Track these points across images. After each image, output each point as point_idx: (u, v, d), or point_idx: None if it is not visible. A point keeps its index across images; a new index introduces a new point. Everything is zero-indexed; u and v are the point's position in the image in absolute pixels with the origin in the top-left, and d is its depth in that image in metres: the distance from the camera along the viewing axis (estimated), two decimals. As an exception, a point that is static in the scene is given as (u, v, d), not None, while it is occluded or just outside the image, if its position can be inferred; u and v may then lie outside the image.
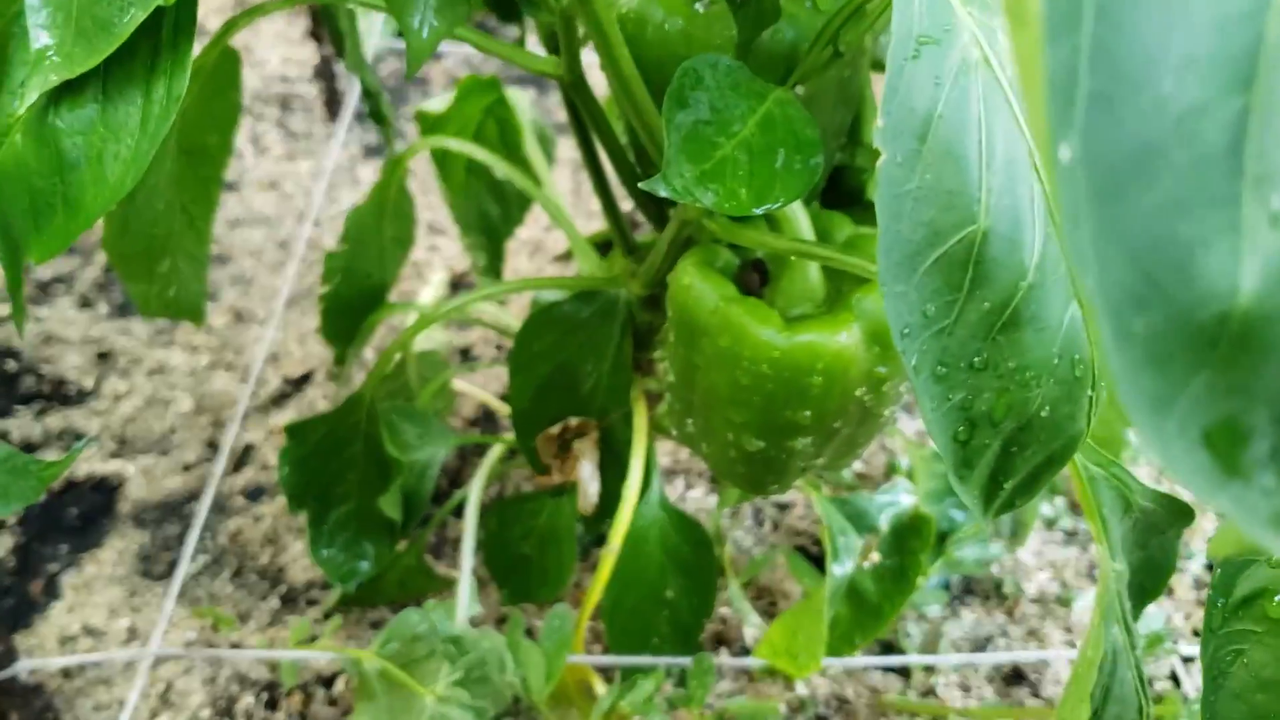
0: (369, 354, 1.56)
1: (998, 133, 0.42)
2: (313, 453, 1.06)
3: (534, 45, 0.92)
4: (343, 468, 1.08)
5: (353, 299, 1.29)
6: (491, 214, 1.44)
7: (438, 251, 1.76)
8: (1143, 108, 0.25)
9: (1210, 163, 0.25)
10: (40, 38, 0.56)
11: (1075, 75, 0.24)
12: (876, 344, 0.74)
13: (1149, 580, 0.69)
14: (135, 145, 0.56)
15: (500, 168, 1.15)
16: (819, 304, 0.79)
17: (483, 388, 1.50)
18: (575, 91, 0.78)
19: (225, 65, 0.87)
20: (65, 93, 0.58)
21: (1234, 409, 0.26)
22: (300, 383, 1.52)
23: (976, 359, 0.44)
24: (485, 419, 1.49)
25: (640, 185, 0.60)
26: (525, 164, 1.36)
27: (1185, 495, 0.94)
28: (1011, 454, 0.47)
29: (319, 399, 1.50)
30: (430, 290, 1.65)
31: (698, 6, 0.75)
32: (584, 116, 0.81)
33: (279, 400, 1.50)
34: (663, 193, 0.59)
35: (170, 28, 0.55)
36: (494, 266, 1.46)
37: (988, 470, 0.47)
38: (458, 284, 1.70)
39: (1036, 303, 0.44)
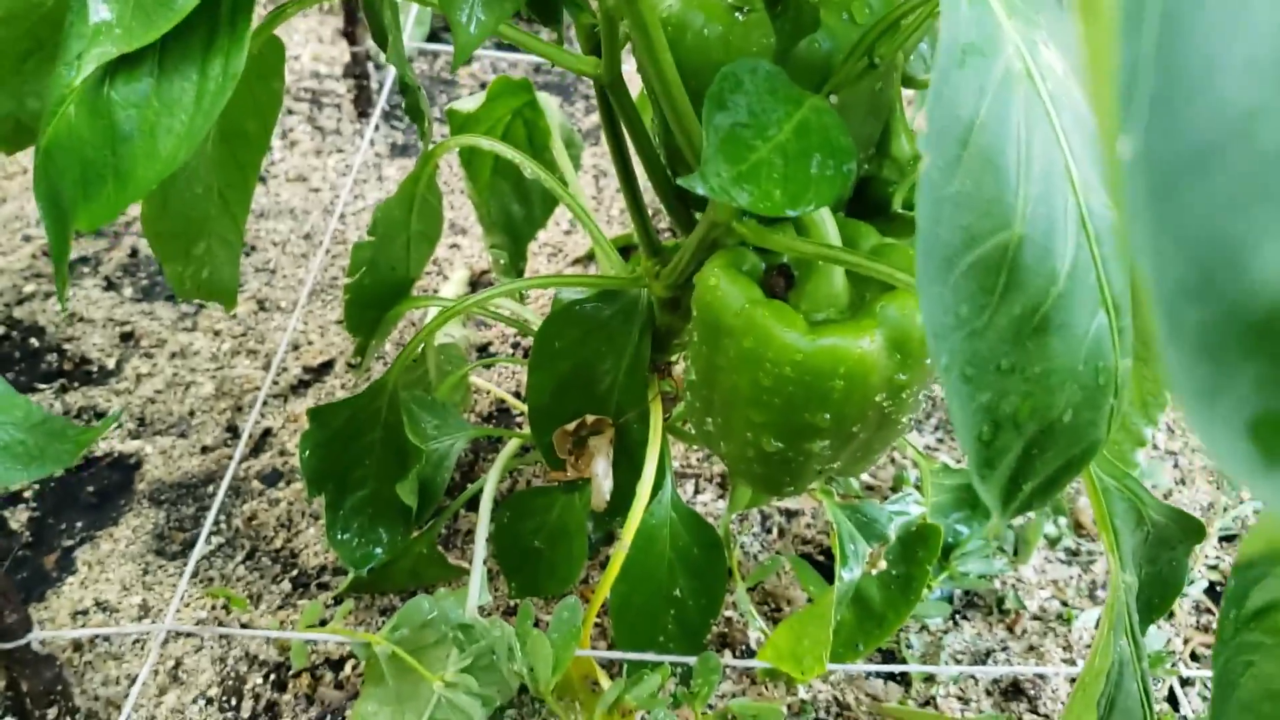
0: (387, 347, 1.57)
1: (1036, 144, 0.44)
2: (334, 437, 1.07)
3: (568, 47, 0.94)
4: (362, 453, 1.10)
5: (377, 291, 1.30)
6: (515, 214, 1.46)
7: (459, 250, 1.77)
8: (1203, 108, 0.26)
9: (1266, 162, 0.26)
10: (99, 11, 0.58)
11: (1137, 75, 0.25)
12: (898, 351, 0.76)
13: (1157, 595, 0.70)
14: (189, 121, 0.57)
15: (529, 167, 1.16)
16: (843, 310, 0.80)
17: (498, 385, 1.52)
18: (613, 92, 0.79)
19: (269, 53, 0.89)
20: (121, 66, 0.59)
21: (1280, 401, 0.26)
22: (320, 371, 1.54)
23: (1004, 361, 0.45)
24: (500, 415, 1.50)
25: (679, 182, 0.61)
26: (552, 167, 1.37)
27: (1195, 512, 0.95)
28: (1032, 456, 0.48)
29: (338, 388, 1.51)
30: (451, 287, 1.67)
31: (737, 14, 0.76)
32: (619, 117, 0.82)
33: (298, 388, 1.51)
34: (700, 190, 0.61)
35: (229, 6, 0.56)
36: (515, 267, 1.47)
37: (1009, 471, 0.48)
38: (477, 282, 1.72)
39: (1065, 310, 0.45)
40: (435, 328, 1.03)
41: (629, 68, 0.83)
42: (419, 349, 1.14)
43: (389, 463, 1.09)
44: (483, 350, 1.61)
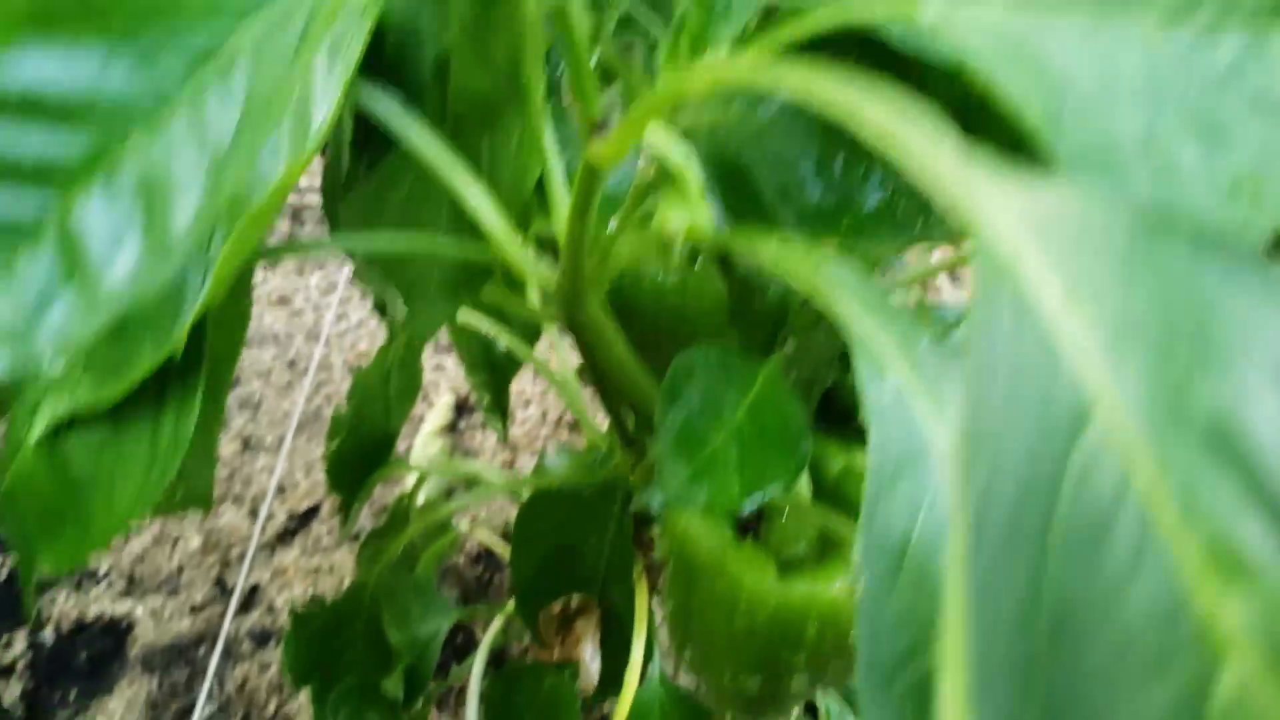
0: (377, 489, 1.57)
1: (972, 551, 0.44)
2: (316, 634, 1.08)
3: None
4: (345, 645, 1.10)
5: (358, 454, 1.31)
6: (497, 354, 1.46)
7: (443, 372, 1.78)
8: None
9: None
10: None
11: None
12: (869, 590, 0.76)
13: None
14: (144, 478, 0.58)
15: (503, 339, 1.17)
16: (813, 542, 0.81)
17: (486, 522, 1.52)
18: (576, 335, 0.80)
19: (239, 282, 0.89)
20: (76, 417, 0.60)
21: None
22: (306, 518, 1.54)
23: (954, 759, 0.45)
24: (488, 556, 1.50)
25: (634, 506, 0.62)
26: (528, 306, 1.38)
27: None
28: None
29: (324, 534, 1.52)
30: (435, 415, 1.67)
31: (693, 264, 0.77)
32: (584, 353, 0.83)
33: (284, 537, 1.51)
34: (656, 505, 0.61)
35: (179, 374, 0.57)
36: (499, 403, 1.48)
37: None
38: (463, 406, 1.72)
39: (1011, 709, 0.45)
40: (413, 533, 1.03)
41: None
42: (399, 550, 1.14)
43: (373, 652, 1.10)
44: (471, 483, 1.61)
